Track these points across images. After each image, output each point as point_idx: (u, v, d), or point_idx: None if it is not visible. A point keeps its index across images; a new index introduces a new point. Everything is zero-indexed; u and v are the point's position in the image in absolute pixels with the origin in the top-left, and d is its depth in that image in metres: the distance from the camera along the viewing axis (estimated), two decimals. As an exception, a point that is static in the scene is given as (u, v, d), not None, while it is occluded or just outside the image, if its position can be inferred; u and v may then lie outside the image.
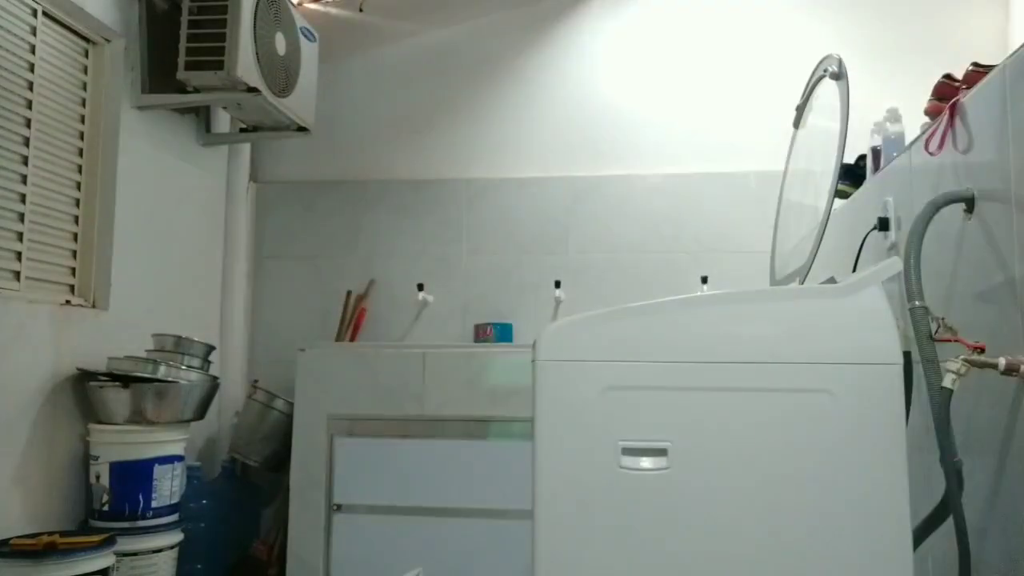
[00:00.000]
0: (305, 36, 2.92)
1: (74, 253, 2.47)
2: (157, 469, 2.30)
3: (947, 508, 1.44)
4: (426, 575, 2.03)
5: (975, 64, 1.83)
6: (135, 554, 2.22)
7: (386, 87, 3.33)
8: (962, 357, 1.40)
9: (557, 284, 3.07)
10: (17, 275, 2.23)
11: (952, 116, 1.67)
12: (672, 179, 3.11)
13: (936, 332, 1.51)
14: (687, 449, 1.38)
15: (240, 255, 3.16)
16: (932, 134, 1.75)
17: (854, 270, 2.12)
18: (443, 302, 3.16)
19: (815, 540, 1.34)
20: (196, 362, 2.51)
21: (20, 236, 2.24)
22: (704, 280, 2.98)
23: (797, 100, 2.20)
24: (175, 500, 2.36)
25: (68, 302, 2.38)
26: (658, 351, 1.41)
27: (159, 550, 2.28)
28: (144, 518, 2.26)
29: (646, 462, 1.38)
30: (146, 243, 2.68)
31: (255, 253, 3.30)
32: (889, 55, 2.99)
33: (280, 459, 2.85)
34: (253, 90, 2.60)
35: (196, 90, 2.62)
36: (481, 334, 3.04)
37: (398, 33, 3.34)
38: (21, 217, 2.25)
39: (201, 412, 2.48)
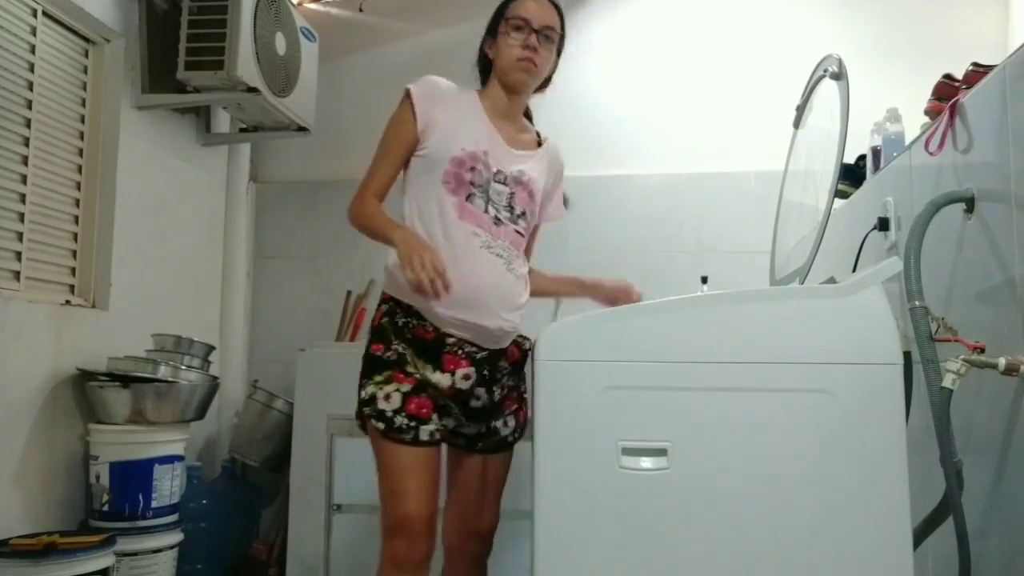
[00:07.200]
0: (305, 36, 2.92)
1: (74, 253, 2.47)
2: (157, 469, 2.29)
3: (947, 508, 1.44)
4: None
5: (975, 64, 1.83)
6: (135, 554, 2.22)
7: (386, 87, 3.31)
8: (962, 357, 1.40)
9: (557, 284, 3.06)
10: (17, 275, 2.23)
11: (952, 116, 1.67)
12: (672, 179, 3.11)
13: (936, 332, 1.51)
14: (687, 449, 1.38)
15: (240, 255, 3.15)
16: (932, 134, 1.75)
17: (854, 270, 2.12)
18: (443, 302, 3.15)
19: (815, 540, 1.34)
20: (196, 362, 2.51)
21: (20, 236, 2.24)
22: (704, 280, 2.97)
23: (797, 100, 2.20)
24: (175, 500, 2.36)
25: (68, 302, 2.38)
26: (658, 351, 1.41)
27: (159, 550, 2.28)
28: (144, 518, 2.26)
29: (646, 462, 1.38)
30: (146, 243, 2.68)
31: (255, 253, 3.30)
32: (889, 55, 2.99)
33: (280, 459, 2.85)
34: (253, 90, 2.60)
35: (196, 90, 2.62)
36: (481, 334, 3.03)
37: (398, 33, 3.34)
38: (21, 217, 2.25)
39: (201, 412, 2.48)
